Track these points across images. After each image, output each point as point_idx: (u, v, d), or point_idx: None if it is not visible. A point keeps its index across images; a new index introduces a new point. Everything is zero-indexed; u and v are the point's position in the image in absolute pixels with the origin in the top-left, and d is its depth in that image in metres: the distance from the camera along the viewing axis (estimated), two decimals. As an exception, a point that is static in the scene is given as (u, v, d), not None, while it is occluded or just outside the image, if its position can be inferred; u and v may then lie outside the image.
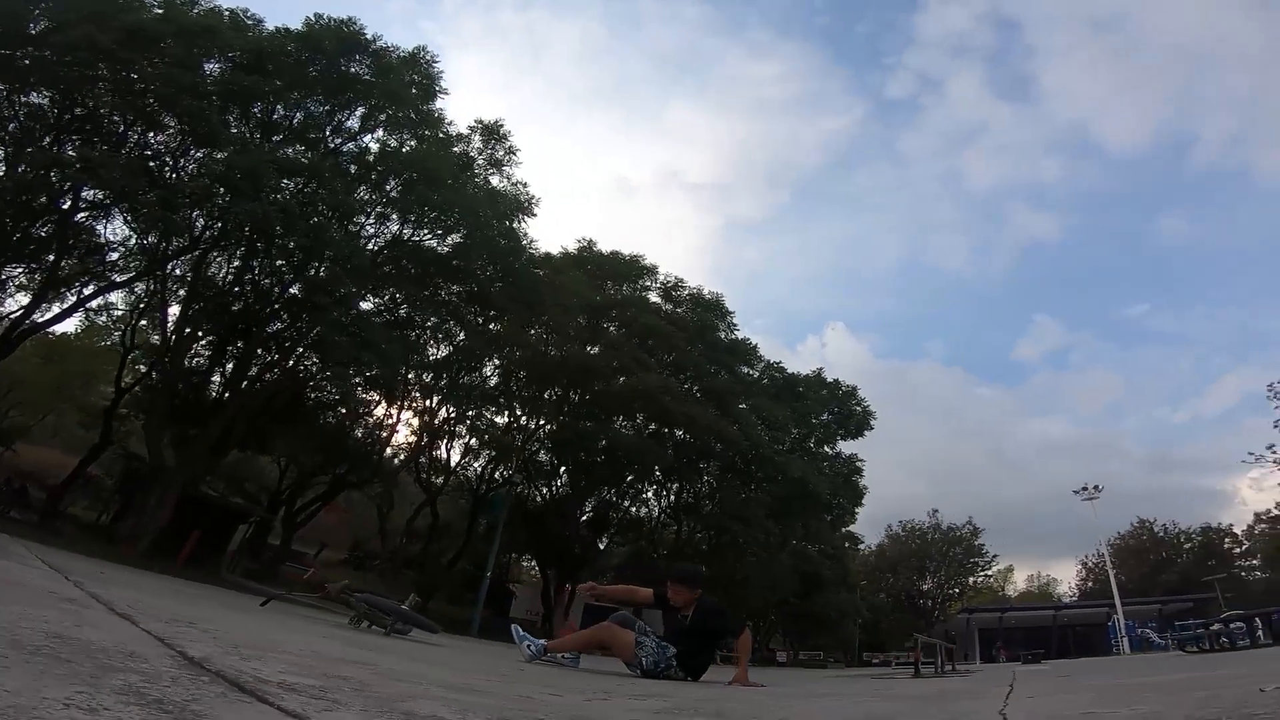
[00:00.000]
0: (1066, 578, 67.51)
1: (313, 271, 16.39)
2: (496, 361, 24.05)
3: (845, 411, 35.93)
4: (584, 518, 30.41)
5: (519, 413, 26.05)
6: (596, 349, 24.63)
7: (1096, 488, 39.77)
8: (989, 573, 55.10)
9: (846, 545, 44.55)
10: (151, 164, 15.82)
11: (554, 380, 23.22)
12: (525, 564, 42.27)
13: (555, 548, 28.16)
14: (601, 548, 31.55)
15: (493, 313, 20.44)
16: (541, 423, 26.39)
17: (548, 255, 24.62)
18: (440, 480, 28.17)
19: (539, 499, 29.41)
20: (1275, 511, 45.65)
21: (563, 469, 27.29)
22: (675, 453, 26.16)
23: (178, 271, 18.77)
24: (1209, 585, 42.81)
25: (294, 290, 17.11)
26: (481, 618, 20.35)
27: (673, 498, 34.73)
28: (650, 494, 35.31)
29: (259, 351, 18.47)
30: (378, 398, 22.52)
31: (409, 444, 27.83)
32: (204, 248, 17.37)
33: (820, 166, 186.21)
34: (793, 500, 28.40)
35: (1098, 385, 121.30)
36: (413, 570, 27.76)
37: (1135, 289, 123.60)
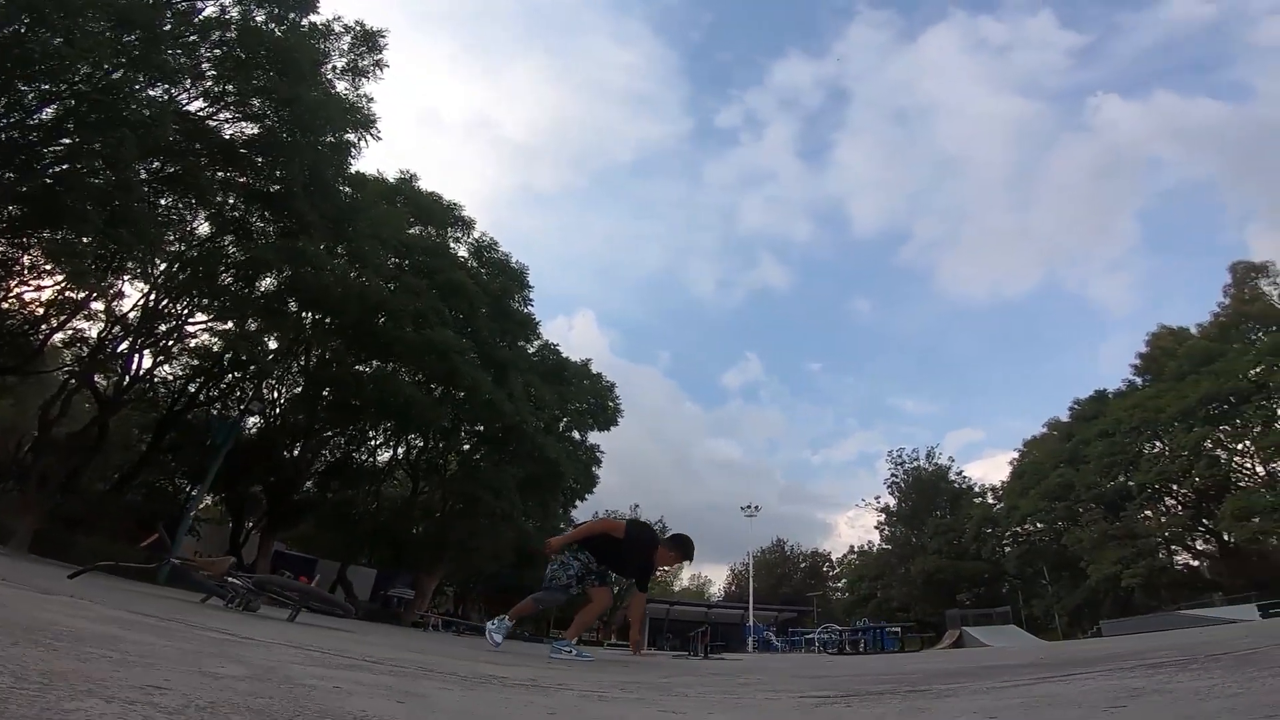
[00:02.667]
0: (718, 580, 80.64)
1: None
2: (274, 275, 19.72)
3: (601, 404, 37.95)
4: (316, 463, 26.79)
5: (291, 337, 21.71)
6: (393, 286, 21.87)
7: (756, 507, 48.52)
8: (666, 568, 63.45)
9: (562, 526, 47.13)
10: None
11: (340, 311, 19.89)
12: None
13: (273, 490, 24.21)
14: (330, 496, 28.09)
15: (284, 222, 17.04)
16: (313, 350, 22.45)
17: (359, 174, 21.23)
18: (120, 381, 21.80)
19: (261, 430, 24.96)
20: (858, 548, 61.74)
21: (320, 407, 23.59)
22: (454, 415, 24.72)
23: None
24: (809, 600, 55.74)
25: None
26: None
27: (412, 455, 32.79)
28: (383, 445, 32.90)
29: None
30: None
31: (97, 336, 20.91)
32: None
33: (626, 165, 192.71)
34: (545, 479, 29.13)
35: (769, 421, 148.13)
36: (53, 493, 21.07)
37: (817, 349, 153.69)
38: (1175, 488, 40.10)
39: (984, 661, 4.36)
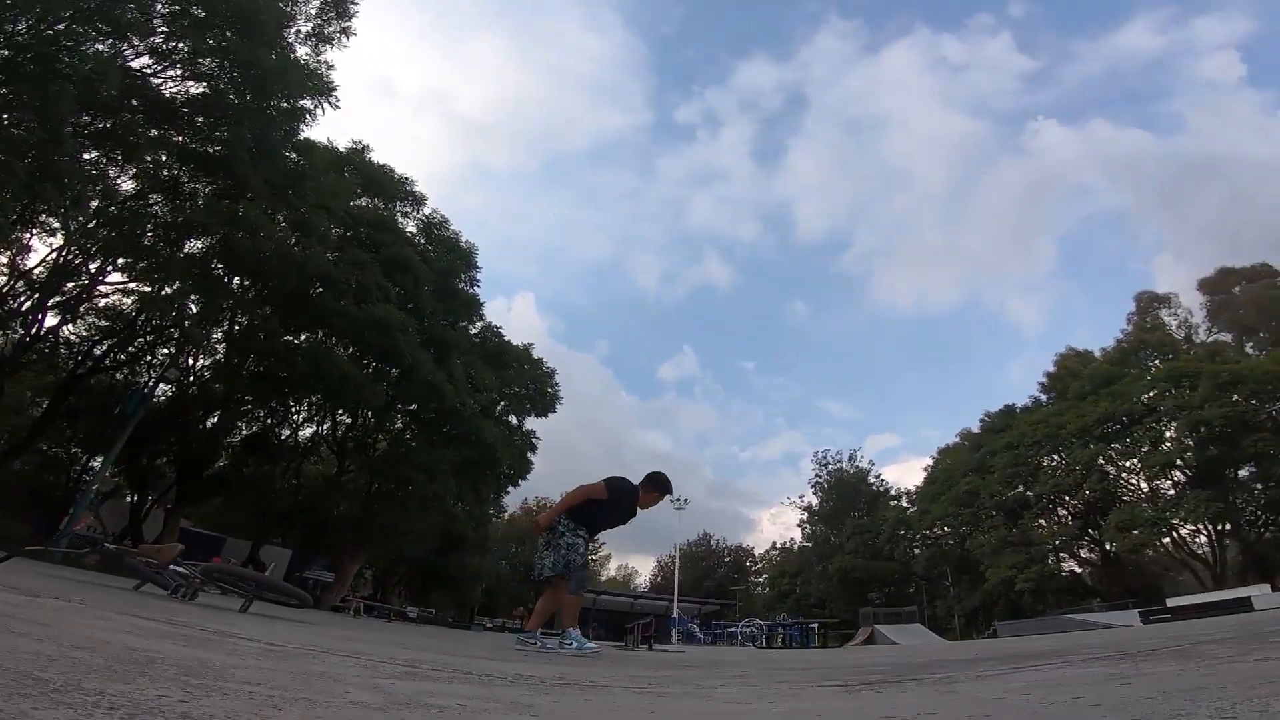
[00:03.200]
0: (645, 571, 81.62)
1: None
2: (203, 239, 18.30)
3: (540, 390, 37.52)
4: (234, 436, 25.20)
5: (222, 305, 20.14)
6: (334, 257, 20.70)
7: (685, 501, 49.43)
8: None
9: (491, 512, 46.40)
10: None
11: (278, 280, 18.61)
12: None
13: (183, 463, 22.59)
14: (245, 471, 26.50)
15: (222, 184, 15.92)
16: (239, 318, 20.94)
17: (308, 141, 20.01)
18: (22, 340, 19.75)
19: (173, 399, 23.14)
20: (780, 544, 63.96)
21: (243, 377, 22.12)
22: (390, 394, 23.79)
23: None
24: (733, 594, 57.31)
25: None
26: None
27: (339, 432, 31.46)
28: (307, 421, 31.43)
29: None
30: None
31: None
32: None
33: (581, 152, 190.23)
34: (481, 464, 28.59)
35: (700, 416, 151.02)
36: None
37: (753, 348, 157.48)
38: (1068, 499, 43.51)
39: (941, 656, 4.53)
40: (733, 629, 37.92)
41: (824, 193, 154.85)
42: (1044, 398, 49.50)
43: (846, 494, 58.71)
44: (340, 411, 28.78)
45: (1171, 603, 27.16)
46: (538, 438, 36.75)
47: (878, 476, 60.96)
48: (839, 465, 60.97)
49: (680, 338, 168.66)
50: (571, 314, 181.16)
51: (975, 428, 53.61)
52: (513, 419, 36.44)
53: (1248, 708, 1.26)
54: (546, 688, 2.03)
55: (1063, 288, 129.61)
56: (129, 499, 25.57)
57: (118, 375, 21.42)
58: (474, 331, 32.92)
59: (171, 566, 5.41)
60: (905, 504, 55.71)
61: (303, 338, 22.56)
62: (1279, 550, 36.42)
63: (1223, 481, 35.98)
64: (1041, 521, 44.35)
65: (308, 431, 31.71)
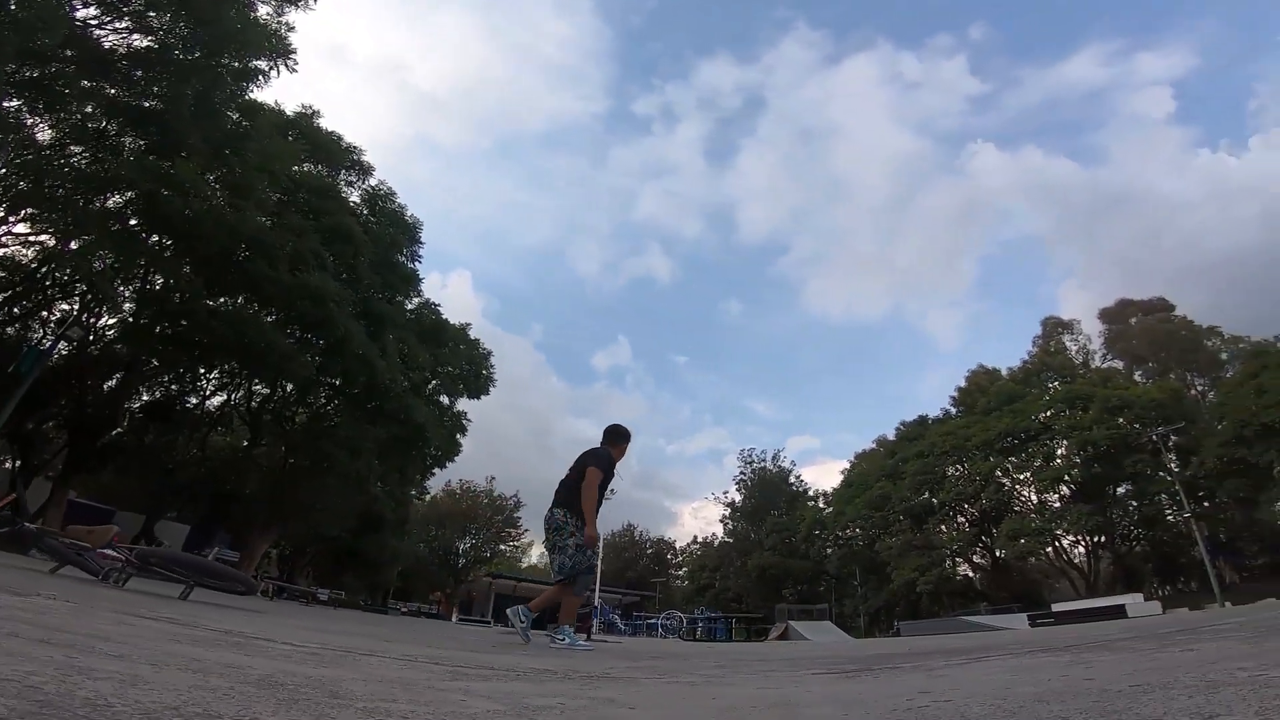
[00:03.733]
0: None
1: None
2: (123, 193, 16.78)
3: (475, 372, 36.73)
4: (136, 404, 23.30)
5: (139, 264, 18.41)
6: (270, 222, 19.43)
7: (612, 491, 49.70)
8: (517, 543, 62.74)
9: (414, 493, 45.03)
10: None
11: (206, 242, 17.18)
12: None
13: (76, 429, 20.69)
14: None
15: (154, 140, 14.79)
16: (153, 277, 19.26)
17: (254, 102, 18.72)
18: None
19: (69, 358, 21.06)
20: (700, 539, 65.43)
21: (153, 339, 20.35)
22: (319, 366, 22.66)
23: None
24: (653, 586, 58.15)
25: None
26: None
27: (254, 403, 29.69)
28: (218, 390, 29.50)
29: None
30: None
31: None
32: None
33: (535, 134, 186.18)
34: (409, 443, 27.80)
35: (630, 407, 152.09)
36: None
37: (686, 343, 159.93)
38: (967, 507, 46.79)
39: (884, 650, 4.80)
40: (653, 621, 38.52)
41: (770, 196, 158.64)
42: (954, 410, 52.88)
43: (768, 493, 60.73)
44: (257, 381, 27.17)
45: (1056, 608, 29.71)
46: (469, 419, 35.95)
47: (798, 477, 63.50)
48: (763, 464, 63.03)
49: (616, 327, 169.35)
50: (508, 295, 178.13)
51: (891, 435, 56.69)
52: (444, 399, 35.56)
53: (1219, 677, 1.45)
54: (590, 681, 2.05)
55: (979, 307, 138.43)
56: (8, 465, 23.13)
57: (9, 330, 19.33)
58: (410, 307, 31.85)
59: (101, 549, 4.96)
60: (822, 505, 58.22)
61: (223, 301, 21.09)
62: (1146, 563, 40.63)
63: (1102, 497, 39.72)
64: (943, 527, 47.42)
65: (217, 400, 29.72)
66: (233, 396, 29.70)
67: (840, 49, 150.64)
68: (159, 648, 1.55)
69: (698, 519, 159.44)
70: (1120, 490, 40.37)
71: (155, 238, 17.96)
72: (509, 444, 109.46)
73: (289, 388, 27.14)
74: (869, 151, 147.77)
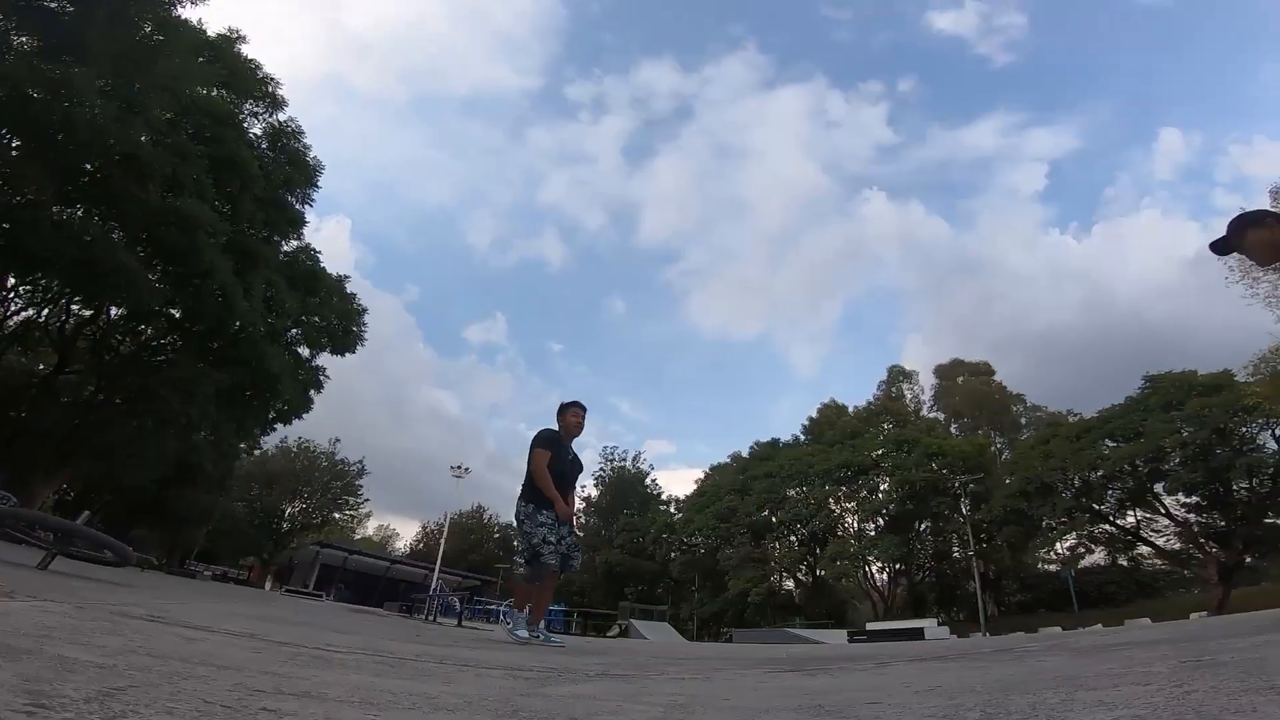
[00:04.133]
0: (408, 535, 77.48)
1: None
2: None
3: (345, 327, 34.22)
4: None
5: None
6: (150, 139, 16.71)
7: (466, 469, 48.19)
8: (354, 513, 58.76)
9: (243, 447, 40.74)
10: None
11: (72, 149, 14.34)
12: None
13: None
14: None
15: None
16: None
17: (173, 18, 16.08)
18: None
19: None
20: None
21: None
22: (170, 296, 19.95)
23: None
24: (496, 571, 57.20)
25: None
26: None
27: (68, 324, 25.48)
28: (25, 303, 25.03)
29: None
30: None
31: None
32: None
33: (456, 99, 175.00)
34: (258, 393, 25.36)
35: (497, 386, 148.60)
36: None
37: (564, 331, 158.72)
38: (800, 528, 51.19)
39: (767, 655, 5.24)
40: (492, 607, 37.93)
41: (675, 204, 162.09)
42: (803, 438, 57.62)
43: (624, 492, 62.24)
44: (77, 300, 23.35)
45: (870, 627, 33.40)
46: (327, 375, 33.27)
47: (653, 480, 65.73)
48: (624, 463, 64.50)
49: (496, 304, 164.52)
50: (387, 251, 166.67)
51: (745, 452, 60.53)
52: (304, 350, 32.65)
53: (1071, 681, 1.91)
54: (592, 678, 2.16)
55: (838, 344, 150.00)
56: None
57: None
58: (287, 249, 28.96)
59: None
60: (673, 510, 60.71)
61: (74, 210, 17.90)
62: (932, 592, 46.85)
63: (908, 531, 45.38)
64: (777, 544, 51.53)
65: (21, 316, 25.01)
66: (41, 312, 25.15)
67: (778, 76, 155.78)
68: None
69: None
70: (923, 526, 46.35)
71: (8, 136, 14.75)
72: (358, 404, 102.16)
73: (115, 312, 23.63)
74: (775, 179, 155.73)
